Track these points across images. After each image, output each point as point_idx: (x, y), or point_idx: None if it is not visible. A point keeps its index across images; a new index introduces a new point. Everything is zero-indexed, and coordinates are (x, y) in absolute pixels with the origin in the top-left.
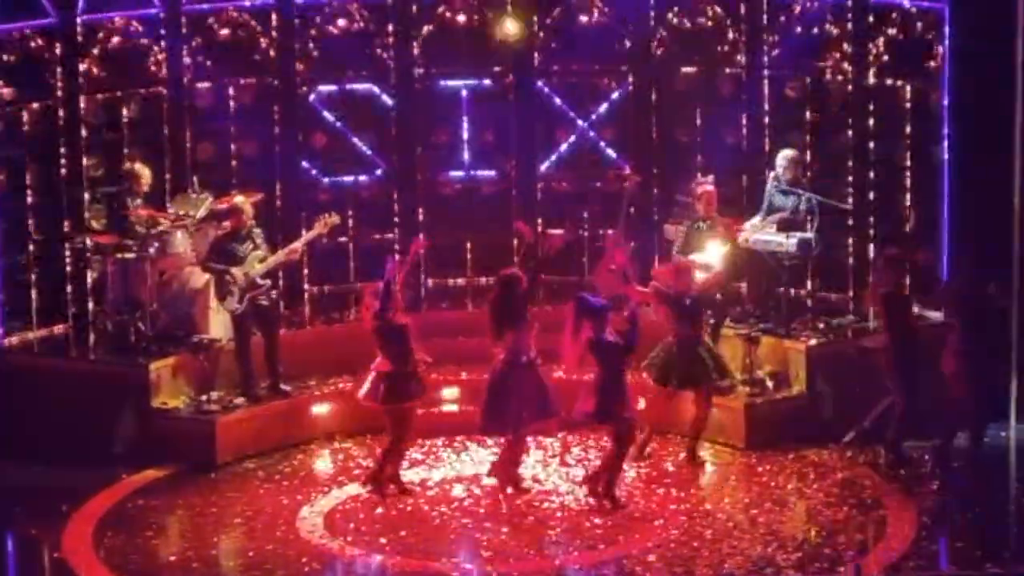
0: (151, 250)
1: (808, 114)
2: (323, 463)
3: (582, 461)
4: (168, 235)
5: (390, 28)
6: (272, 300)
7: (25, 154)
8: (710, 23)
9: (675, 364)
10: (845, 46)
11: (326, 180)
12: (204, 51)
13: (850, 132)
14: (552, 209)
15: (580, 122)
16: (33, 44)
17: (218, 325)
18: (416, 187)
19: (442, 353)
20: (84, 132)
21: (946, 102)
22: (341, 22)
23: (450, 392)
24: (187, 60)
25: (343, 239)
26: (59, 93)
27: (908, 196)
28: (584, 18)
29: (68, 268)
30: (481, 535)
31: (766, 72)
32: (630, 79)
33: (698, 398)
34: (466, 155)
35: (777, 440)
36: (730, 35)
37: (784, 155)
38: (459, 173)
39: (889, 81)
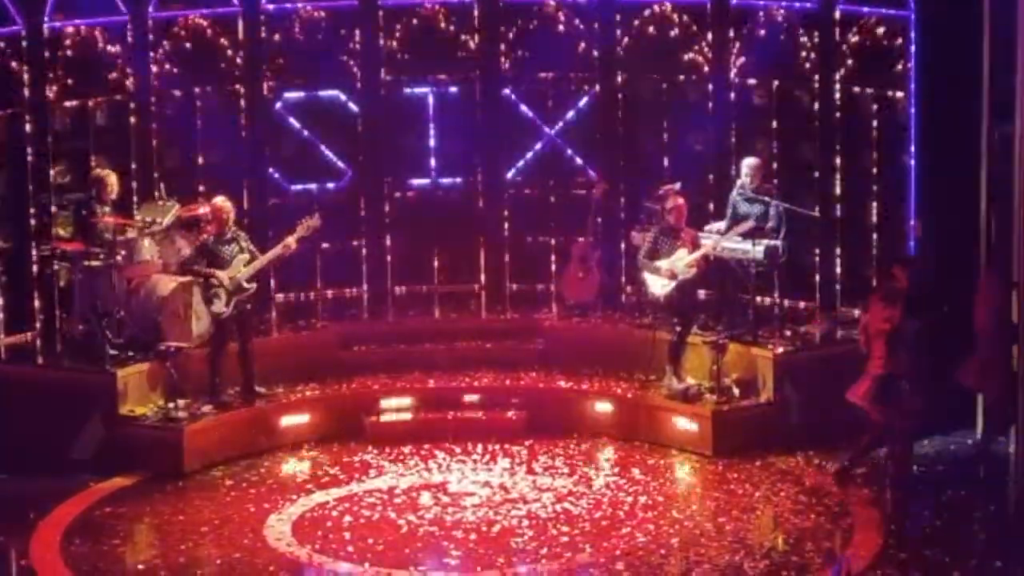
0: (118, 257)
1: (775, 122)
2: (291, 471)
3: (549, 469)
4: (135, 242)
5: (356, 34)
6: (253, 305)
7: None
8: (677, 31)
9: None
10: (812, 54)
11: (292, 187)
12: (171, 58)
13: (817, 140)
14: (519, 216)
15: (547, 129)
16: None
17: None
18: (382, 194)
19: (408, 360)
20: (50, 139)
21: (913, 109)
22: (307, 29)
23: (414, 400)
24: (154, 67)
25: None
26: (26, 100)
27: (875, 203)
28: (551, 26)
29: (35, 275)
30: (449, 543)
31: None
32: (596, 87)
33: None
34: (432, 162)
35: (744, 448)
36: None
37: (748, 163)
38: (425, 180)
39: (856, 88)
